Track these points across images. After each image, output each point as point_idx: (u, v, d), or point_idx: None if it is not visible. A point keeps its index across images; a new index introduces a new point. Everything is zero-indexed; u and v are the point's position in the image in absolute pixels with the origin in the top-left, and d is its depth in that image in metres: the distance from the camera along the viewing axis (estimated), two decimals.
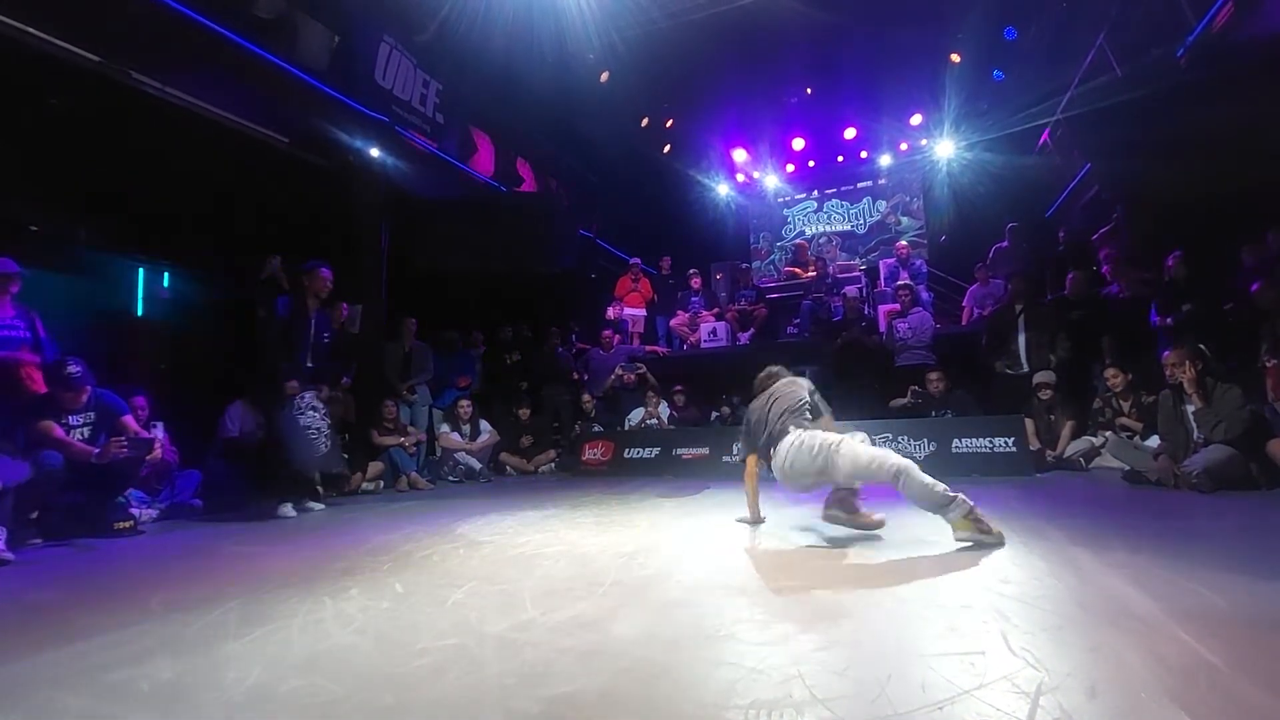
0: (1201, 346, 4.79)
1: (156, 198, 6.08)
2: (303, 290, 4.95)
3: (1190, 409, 4.46)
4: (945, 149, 11.26)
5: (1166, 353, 4.68)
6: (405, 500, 5.51)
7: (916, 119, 11.45)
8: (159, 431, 4.73)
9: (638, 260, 10.51)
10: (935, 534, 3.11)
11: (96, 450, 3.94)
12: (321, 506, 4.90)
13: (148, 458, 4.34)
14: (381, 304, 7.48)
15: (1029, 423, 5.92)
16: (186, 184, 6.12)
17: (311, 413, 4.75)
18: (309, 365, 4.88)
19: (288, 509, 4.56)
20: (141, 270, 6.77)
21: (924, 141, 11.76)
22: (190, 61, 5.72)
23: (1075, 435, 5.89)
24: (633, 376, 8.20)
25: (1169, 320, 5.82)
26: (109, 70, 5.39)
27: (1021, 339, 6.46)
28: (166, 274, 6.88)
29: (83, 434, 4.09)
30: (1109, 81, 7.48)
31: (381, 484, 6.23)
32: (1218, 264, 5.93)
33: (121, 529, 3.99)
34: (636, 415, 7.77)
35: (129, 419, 4.34)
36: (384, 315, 7.47)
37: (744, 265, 12.17)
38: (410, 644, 1.77)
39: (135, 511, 4.31)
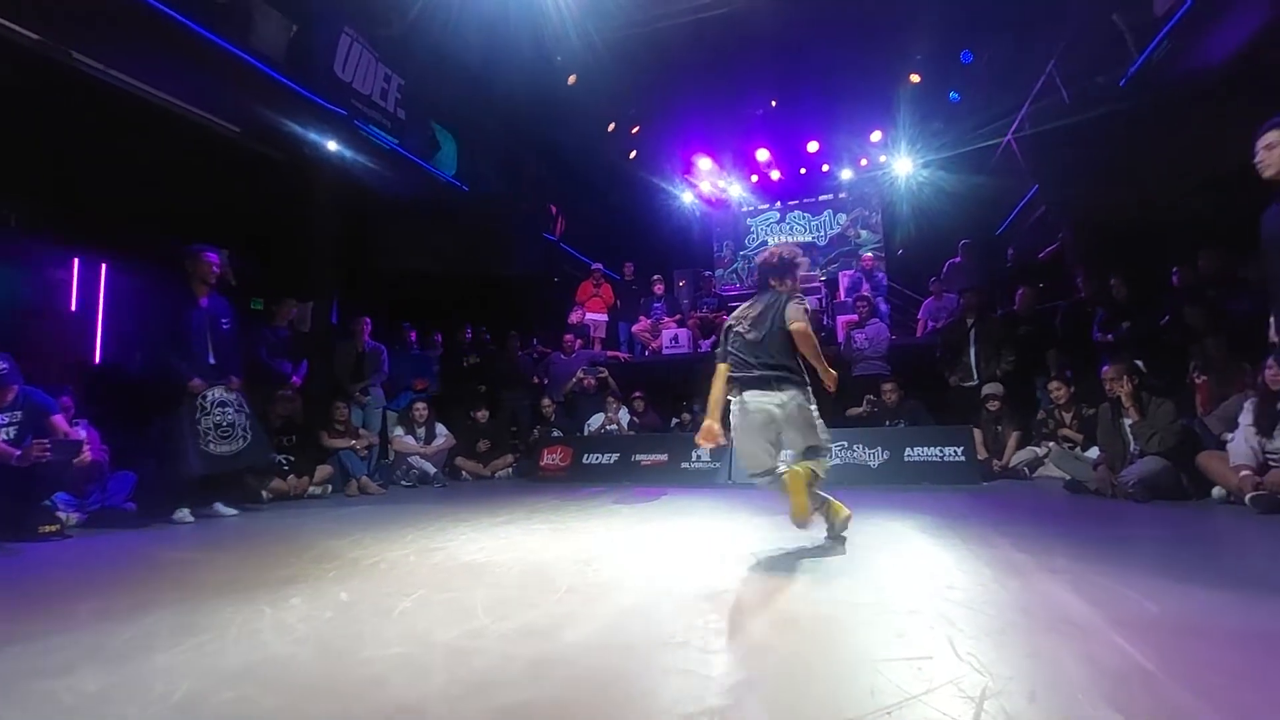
0: (1138, 362, 5.03)
1: (96, 185, 5.78)
2: (190, 279, 4.58)
3: (1127, 422, 4.67)
4: (903, 166, 11.59)
5: (1106, 368, 4.89)
6: (354, 505, 5.35)
7: (876, 136, 11.75)
8: (82, 431, 4.47)
9: (599, 265, 10.49)
10: (885, 540, 3.18)
11: (18, 452, 3.71)
12: (234, 512, 4.68)
13: (75, 460, 4.10)
14: (333, 302, 7.27)
15: (977, 433, 6.11)
16: (129, 172, 5.83)
17: (221, 410, 4.50)
18: (211, 361, 4.55)
19: (184, 514, 4.34)
20: (77, 261, 6.42)
21: (883, 158, 12.07)
22: (136, 44, 5.47)
23: (1020, 445, 6.10)
24: (594, 380, 8.16)
25: (1109, 337, 6.10)
26: (48, 49, 5.10)
27: (972, 351, 6.67)
28: (104, 265, 6.54)
29: (8, 434, 3.85)
30: (1057, 105, 7.82)
31: (329, 488, 6.03)
32: (1155, 283, 6.24)
33: (46, 533, 3.75)
34: (596, 421, 7.73)
35: (59, 419, 4.10)
36: (336, 314, 7.26)
37: (707, 273, 12.27)
38: (353, 654, 1.71)
39: (62, 514, 4.07)
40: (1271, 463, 3.87)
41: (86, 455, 4.24)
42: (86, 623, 2.09)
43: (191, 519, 4.35)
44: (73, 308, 6.39)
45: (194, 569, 2.96)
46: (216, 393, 4.55)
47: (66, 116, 5.46)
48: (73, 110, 5.47)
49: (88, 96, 5.47)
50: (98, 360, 6.37)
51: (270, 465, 5.23)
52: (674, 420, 7.77)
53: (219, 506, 4.65)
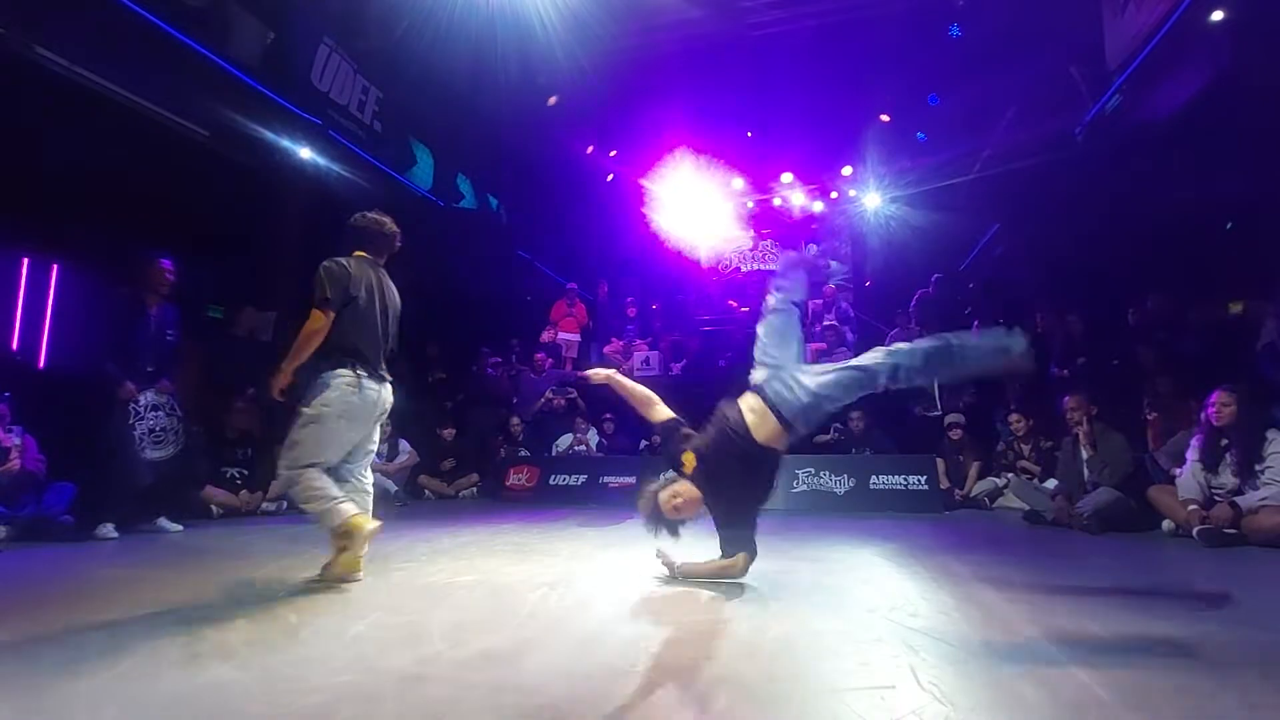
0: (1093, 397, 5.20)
1: (53, 183, 5.57)
2: (143, 286, 4.47)
3: (1084, 454, 4.80)
4: (872, 200, 11.92)
5: (1066, 399, 5.05)
6: (309, 523, 5.14)
7: (847, 170, 12.08)
8: (16, 437, 4.23)
9: (574, 285, 10.48)
10: (850, 568, 3.18)
11: None
12: (178, 528, 4.49)
13: (2, 468, 3.88)
14: (297, 312, 7.09)
15: (940, 462, 6.21)
16: (89, 171, 5.64)
17: (154, 414, 4.36)
18: (149, 369, 4.42)
19: (108, 530, 4.09)
20: (27, 260, 6.15)
21: (853, 192, 12.40)
22: (105, 42, 5.35)
23: (981, 476, 6.22)
24: (563, 401, 8.09)
25: (1065, 371, 6.30)
26: (8, 41, 4.94)
27: (935, 382, 6.81)
28: (55, 266, 6.28)
29: None
30: (1017, 148, 8.18)
31: (284, 504, 5.80)
32: (1111, 321, 6.49)
33: None
34: (564, 441, 7.64)
35: None
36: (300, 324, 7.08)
37: (680, 297, 12.34)
38: (299, 680, 1.62)
39: None
40: (1217, 497, 4.01)
41: (14, 463, 4.01)
42: (6, 644, 1.95)
43: (116, 535, 4.10)
44: (19, 309, 6.10)
45: (131, 587, 2.79)
46: (148, 396, 4.38)
47: (25, 111, 5.28)
48: (32, 105, 5.29)
49: (49, 92, 5.30)
50: (41, 365, 6.08)
51: (201, 470, 5.04)
52: (643, 443, 7.73)
53: (162, 522, 4.44)
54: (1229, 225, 5.86)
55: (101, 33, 5.32)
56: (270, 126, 6.54)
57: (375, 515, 2.98)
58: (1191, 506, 3.99)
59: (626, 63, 8.52)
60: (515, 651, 1.86)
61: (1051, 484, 5.17)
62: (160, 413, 4.41)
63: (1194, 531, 3.85)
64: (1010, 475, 5.86)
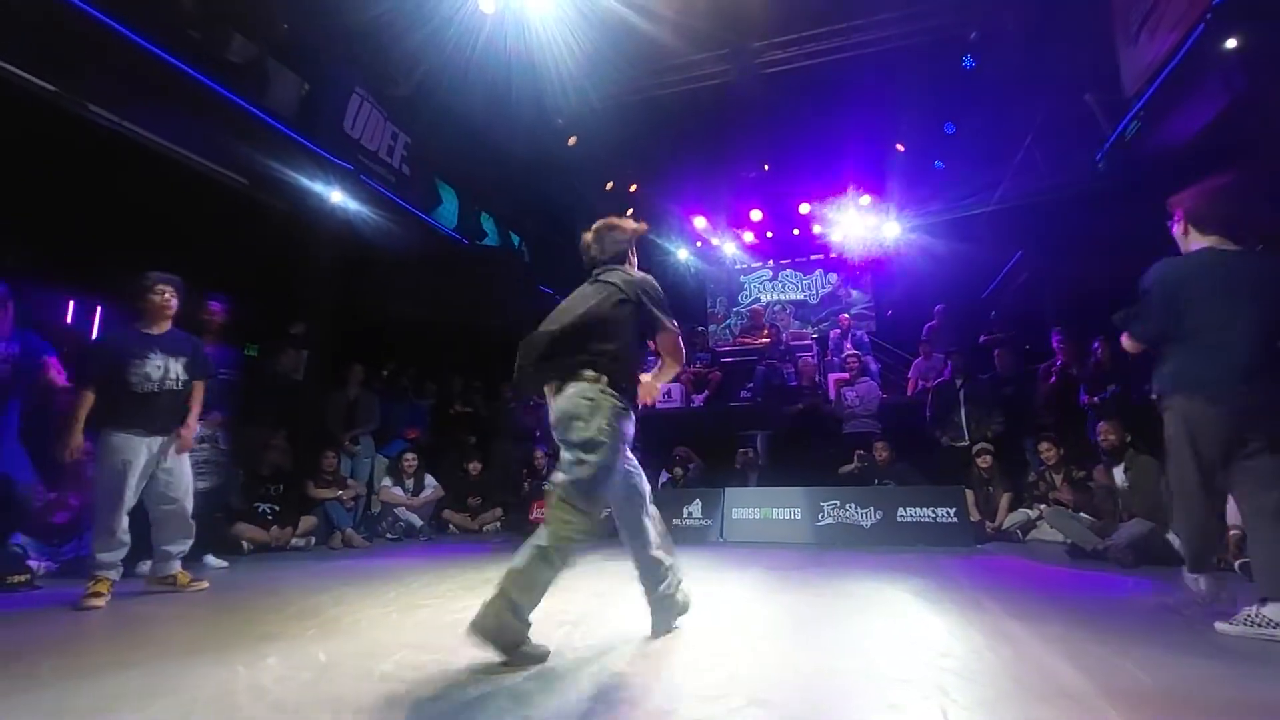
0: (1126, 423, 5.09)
1: (99, 228, 5.87)
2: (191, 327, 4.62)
3: (1119, 480, 4.69)
4: (892, 229, 11.96)
5: (1100, 424, 4.95)
6: (337, 559, 5.22)
7: (866, 199, 12.16)
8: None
9: None
10: (878, 605, 3.13)
11: None
12: (223, 564, 4.60)
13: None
14: (327, 350, 7.29)
15: (969, 494, 6.07)
16: (132, 217, 5.94)
17: (200, 446, 4.46)
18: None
19: (145, 567, 4.03)
20: (71, 303, 6.44)
21: (873, 221, 12.45)
22: (152, 98, 5.68)
23: (1012, 507, 6.07)
24: None
25: (1096, 399, 6.18)
26: (64, 100, 5.28)
27: (963, 412, 6.73)
28: (99, 308, 6.56)
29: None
30: (1036, 177, 8.18)
31: (313, 540, 5.89)
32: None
33: (15, 584, 3.64)
34: None
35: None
36: (329, 361, 7.27)
37: (700, 328, 12.41)
38: None
39: (33, 564, 3.95)
40: None
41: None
42: (49, 682, 2.01)
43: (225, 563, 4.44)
44: (62, 349, 6.36)
45: (167, 625, 2.86)
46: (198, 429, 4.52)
47: (76, 164, 5.60)
48: (83, 159, 5.62)
49: (99, 146, 5.63)
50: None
51: (236, 505, 5.21)
52: (665, 475, 7.70)
53: (208, 559, 4.53)
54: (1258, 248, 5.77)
55: (149, 89, 5.65)
56: (305, 173, 6.84)
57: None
58: (1233, 532, 3.85)
59: (641, 101, 8.77)
60: (541, 690, 1.87)
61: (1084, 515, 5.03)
62: (206, 445, 4.54)
63: (1236, 565, 3.72)
64: (1043, 506, 5.70)
